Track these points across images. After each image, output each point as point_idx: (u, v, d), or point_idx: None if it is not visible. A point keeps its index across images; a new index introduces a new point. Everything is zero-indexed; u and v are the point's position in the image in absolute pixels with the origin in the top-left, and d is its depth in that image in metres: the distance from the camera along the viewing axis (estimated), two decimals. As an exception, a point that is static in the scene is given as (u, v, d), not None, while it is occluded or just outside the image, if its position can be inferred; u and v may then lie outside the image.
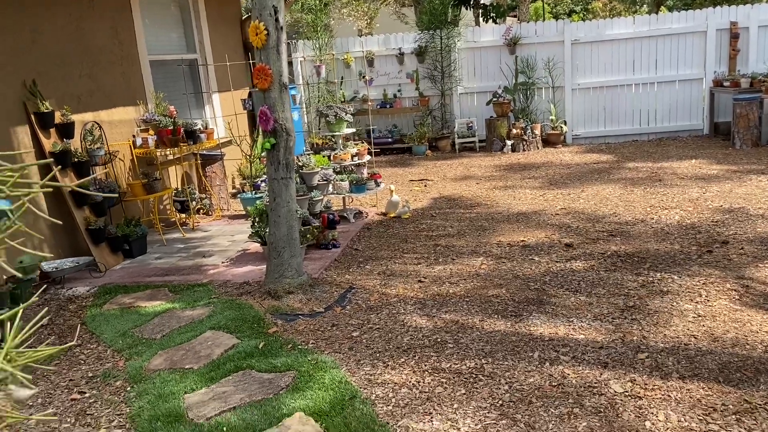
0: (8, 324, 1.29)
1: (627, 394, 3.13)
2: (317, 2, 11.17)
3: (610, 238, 5.70)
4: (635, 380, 3.25)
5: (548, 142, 11.10)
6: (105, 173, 6.39)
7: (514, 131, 10.80)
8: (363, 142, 7.36)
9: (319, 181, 6.20)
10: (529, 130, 10.85)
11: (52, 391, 3.65)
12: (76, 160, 5.80)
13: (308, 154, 6.60)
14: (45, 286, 5.38)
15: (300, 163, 6.17)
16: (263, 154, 6.26)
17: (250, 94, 8.48)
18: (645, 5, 26.25)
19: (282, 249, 4.69)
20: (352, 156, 6.85)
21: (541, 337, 3.83)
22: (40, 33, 5.77)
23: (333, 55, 11.33)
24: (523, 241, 5.83)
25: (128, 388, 3.60)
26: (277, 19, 4.43)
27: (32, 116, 5.56)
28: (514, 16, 33.93)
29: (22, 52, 5.55)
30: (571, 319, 4.05)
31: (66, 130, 5.83)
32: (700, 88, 10.89)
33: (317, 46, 11.15)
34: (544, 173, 8.94)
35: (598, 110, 11.23)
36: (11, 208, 1.37)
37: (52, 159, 5.50)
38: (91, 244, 5.76)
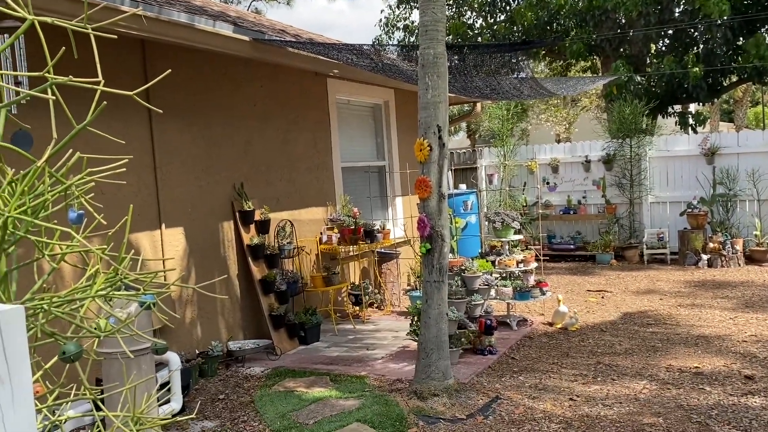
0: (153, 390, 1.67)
1: None
2: (505, 112, 11.65)
3: (804, 375, 5.00)
4: None
5: (752, 259, 10.06)
6: (292, 265, 7.16)
7: (711, 245, 9.99)
8: (531, 249, 7.37)
9: (480, 285, 6.33)
10: (729, 245, 9.95)
11: (213, 459, 4.11)
12: (268, 252, 6.62)
13: (473, 258, 6.78)
14: (228, 363, 6.08)
15: (463, 267, 6.38)
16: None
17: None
18: None
19: (430, 351, 4.86)
20: (518, 262, 6.90)
21: (692, 477, 3.48)
22: (251, 144, 6.83)
23: (514, 161, 11.61)
24: (696, 367, 5.34)
25: (273, 466, 3.94)
26: (440, 137, 4.83)
27: (236, 213, 6.52)
28: (731, 121, 31.84)
29: (236, 160, 6.61)
30: (732, 463, 3.63)
31: (263, 227, 6.71)
32: None
33: (501, 153, 11.54)
34: (741, 294, 8.10)
35: (816, 226, 10.00)
36: (154, 301, 1.84)
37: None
38: (271, 329, 6.42)
